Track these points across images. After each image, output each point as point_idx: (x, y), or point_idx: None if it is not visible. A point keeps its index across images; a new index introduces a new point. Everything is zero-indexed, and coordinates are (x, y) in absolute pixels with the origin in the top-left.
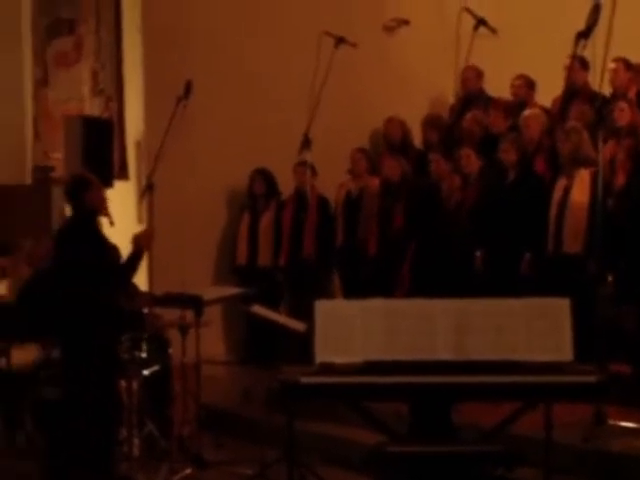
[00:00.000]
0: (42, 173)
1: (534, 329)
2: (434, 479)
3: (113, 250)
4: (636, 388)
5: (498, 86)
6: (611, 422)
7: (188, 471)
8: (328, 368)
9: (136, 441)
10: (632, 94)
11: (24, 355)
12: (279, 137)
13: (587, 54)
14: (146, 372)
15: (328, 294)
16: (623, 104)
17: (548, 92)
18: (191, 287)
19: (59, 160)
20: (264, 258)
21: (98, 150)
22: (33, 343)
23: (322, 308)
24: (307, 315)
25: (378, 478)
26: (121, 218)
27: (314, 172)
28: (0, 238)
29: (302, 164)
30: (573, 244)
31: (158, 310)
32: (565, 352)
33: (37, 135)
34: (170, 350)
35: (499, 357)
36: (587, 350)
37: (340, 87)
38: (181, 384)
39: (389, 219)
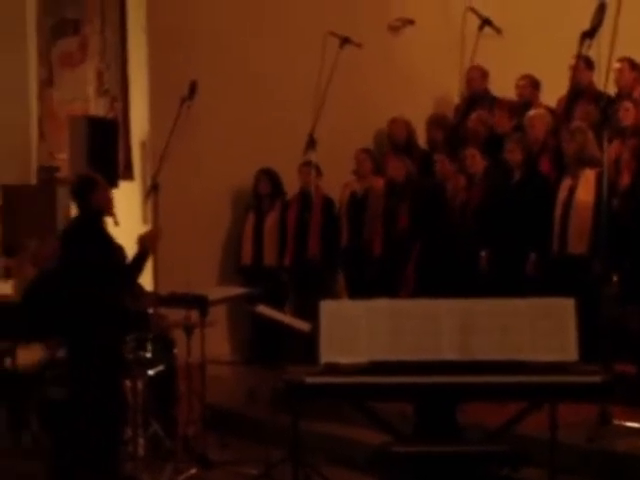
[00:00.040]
0: (47, 173)
1: (539, 329)
2: (439, 479)
3: (119, 250)
4: None
5: (503, 86)
6: (616, 422)
7: (193, 471)
8: (333, 368)
9: (141, 441)
10: (637, 94)
11: (29, 355)
12: (284, 137)
13: (592, 54)
14: (151, 372)
15: (333, 294)
16: (628, 104)
17: (553, 92)
18: (196, 287)
19: (64, 160)
20: (269, 258)
21: (103, 150)
22: (38, 343)
23: (327, 308)
24: (312, 315)
25: (383, 478)
26: (126, 218)
27: (319, 172)
28: (5, 238)
29: (307, 164)
30: (578, 244)
31: (163, 310)
32: (570, 352)
33: (42, 135)
34: (175, 350)
35: (504, 357)
36: (592, 350)
37: (345, 87)
38: (186, 384)
39: (394, 219)
